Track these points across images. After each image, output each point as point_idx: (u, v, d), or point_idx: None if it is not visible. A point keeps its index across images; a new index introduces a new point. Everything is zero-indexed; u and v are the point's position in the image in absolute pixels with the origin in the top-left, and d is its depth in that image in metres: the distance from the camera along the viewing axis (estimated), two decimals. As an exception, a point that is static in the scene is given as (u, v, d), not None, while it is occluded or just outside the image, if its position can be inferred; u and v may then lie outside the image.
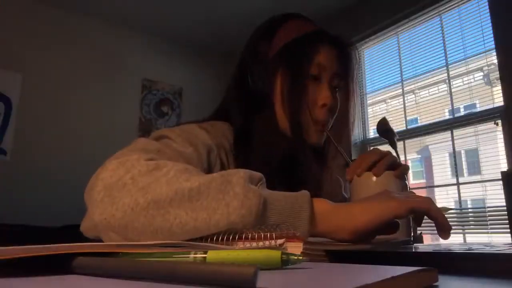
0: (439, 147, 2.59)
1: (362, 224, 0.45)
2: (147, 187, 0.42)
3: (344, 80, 0.75)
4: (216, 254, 0.28)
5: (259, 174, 0.46)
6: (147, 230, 0.41)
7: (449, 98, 2.30)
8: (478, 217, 2.06)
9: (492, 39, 2.08)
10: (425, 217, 0.50)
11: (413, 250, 0.45)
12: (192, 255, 0.28)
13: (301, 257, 0.28)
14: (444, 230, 0.48)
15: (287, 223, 0.42)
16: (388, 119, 1.15)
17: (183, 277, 0.22)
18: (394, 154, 0.71)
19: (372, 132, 2.74)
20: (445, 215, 0.50)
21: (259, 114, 0.71)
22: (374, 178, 0.63)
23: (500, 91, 2.03)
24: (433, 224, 0.49)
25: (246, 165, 0.65)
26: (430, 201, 0.48)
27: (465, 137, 2.22)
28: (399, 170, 0.63)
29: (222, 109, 0.78)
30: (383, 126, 1.13)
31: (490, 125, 2.11)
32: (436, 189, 2.53)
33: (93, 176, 0.47)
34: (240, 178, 0.42)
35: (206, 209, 0.41)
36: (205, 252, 0.28)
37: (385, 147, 0.75)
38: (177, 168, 0.45)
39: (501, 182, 0.67)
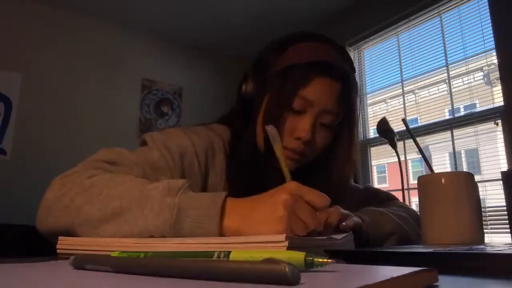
0: (439, 147, 2.59)
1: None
2: (81, 207, 0.50)
3: (343, 115, 0.71)
4: (239, 255, 0.28)
5: (181, 181, 0.50)
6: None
7: (449, 98, 2.30)
8: (478, 217, 2.06)
9: (492, 39, 2.08)
10: None
11: (413, 250, 0.45)
12: (215, 256, 0.29)
13: (326, 260, 0.27)
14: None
15: (200, 229, 0.45)
16: (388, 119, 1.15)
17: (223, 274, 0.23)
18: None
19: (372, 132, 2.74)
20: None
21: (246, 124, 0.73)
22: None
23: (500, 91, 2.03)
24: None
25: (235, 165, 0.70)
26: (308, 226, 0.45)
27: (465, 137, 2.22)
28: (347, 225, 0.60)
29: (226, 114, 0.81)
30: (383, 126, 1.14)
31: (490, 125, 2.11)
32: (436, 189, 2.52)
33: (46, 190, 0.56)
34: (158, 192, 0.48)
35: (128, 223, 0.47)
36: (229, 253, 0.29)
37: (385, 147, 0.75)
38: (109, 184, 0.52)
39: (501, 182, 0.67)
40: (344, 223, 0.60)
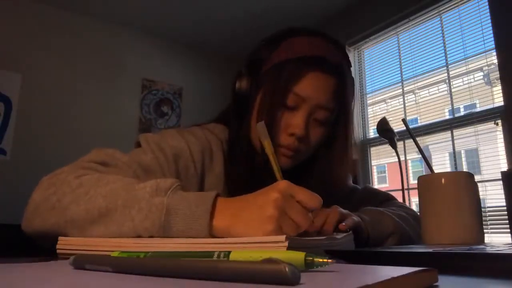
0: (439, 147, 2.59)
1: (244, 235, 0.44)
2: (68, 208, 0.49)
3: (339, 109, 0.71)
4: (239, 255, 0.28)
5: (169, 181, 0.48)
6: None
7: (449, 98, 2.30)
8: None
9: (492, 39, 2.08)
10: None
11: (413, 250, 0.45)
12: (215, 256, 0.29)
13: (326, 260, 0.27)
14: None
15: (189, 229, 0.45)
16: (388, 119, 1.15)
17: (223, 274, 0.23)
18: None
19: (372, 132, 2.74)
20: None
21: (242, 122, 0.72)
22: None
23: (500, 91, 2.03)
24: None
25: (234, 165, 0.70)
26: (300, 226, 0.44)
27: (465, 137, 2.22)
28: (344, 226, 0.60)
29: (223, 112, 0.80)
30: (383, 126, 1.14)
31: (490, 125, 2.11)
32: (436, 189, 2.52)
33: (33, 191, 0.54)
34: (146, 193, 0.47)
35: (116, 223, 0.47)
36: (229, 253, 0.29)
37: (385, 147, 0.75)
38: (97, 183, 0.51)
39: (501, 182, 0.67)
40: (343, 223, 0.60)
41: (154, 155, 0.63)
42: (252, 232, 0.43)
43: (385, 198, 0.89)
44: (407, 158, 2.51)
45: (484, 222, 0.66)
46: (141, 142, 0.65)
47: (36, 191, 0.53)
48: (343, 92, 0.71)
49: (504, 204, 0.65)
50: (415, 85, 2.51)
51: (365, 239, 0.65)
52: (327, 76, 0.68)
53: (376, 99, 2.79)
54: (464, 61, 2.25)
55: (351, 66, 0.76)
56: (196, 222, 0.45)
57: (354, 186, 0.90)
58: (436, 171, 0.68)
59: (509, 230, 0.65)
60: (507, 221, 0.64)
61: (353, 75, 0.77)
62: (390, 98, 2.73)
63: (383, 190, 0.94)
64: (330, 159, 0.74)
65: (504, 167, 1.98)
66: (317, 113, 0.69)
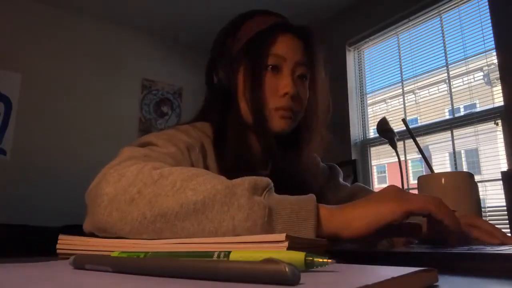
0: (439, 147, 2.59)
1: (358, 231, 0.44)
2: (154, 201, 0.43)
3: (311, 69, 0.75)
4: (239, 255, 0.28)
5: (266, 180, 0.45)
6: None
7: (449, 98, 2.30)
8: (478, 217, 2.06)
9: (492, 39, 2.08)
10: None
11: (413, 250, 0.45)
12: (215, 256, 0.29)
13: (326, 260, 0.27)
14: (452, 232, 0.46)
15: (293, 231, 0.42)
16: (388, 119, 1.15)
17: (223, 274, 0.23)
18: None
19: (372, 132, 2.74)
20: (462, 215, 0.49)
21: (228, 110, 0.73)
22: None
23: (500, 91, 2.03)
24: None
25: (224, 161, 0.69)
26: (434, 201, 0.46)
27: (465, 137, 2.22)
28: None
29: (201, 110, 0.81)
30: (383, 126, 1.14)
31: (490, 125, 2.11)
32: (436, 189, 2.51)
33: (94, 184, 0.48)
34: (245, 190, 0.43)
35: (212, 222, 0.42)
36: (229, 253, 0.29)
37: (385, 147, 0.75)
38: (182, 176, 0.46)
39: (501, 182, 0.67)
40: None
41: (177, 148, 0.61)
42: (378, 209, 0.44)
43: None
44: (407, 158, 2.51)
45: (484, 222, 0.66)
46: (152, 141, 0.61)
47: (105, 185, 0.47)
48: (311, 52, 0.74)
49: (504, 204, 0.65)
50: (415, 85, 2.51)
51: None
52: (296, 37, 0.73)
53: (376, 99, 2.79)
54: (464, 61, 2.25)
55: (316, 34, 0.79)
56: (300, 224, 0.43)
57: (325, 165, 0.91)
58: (436, 171, 0.68)
59: (509, 230, 0.65)
60: (507, 221, 0.64)
61: (353, 75, 0.78)
62: (390, 98, 2.73)
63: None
64: (312, 115, 0.77)
65: (504, 167, 1.98)
66: (298, 70, 0.73)
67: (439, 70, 2.38)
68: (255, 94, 0.69)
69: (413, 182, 2.54)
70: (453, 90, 2.29)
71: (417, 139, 0.72)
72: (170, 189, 0.44)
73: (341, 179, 0.89)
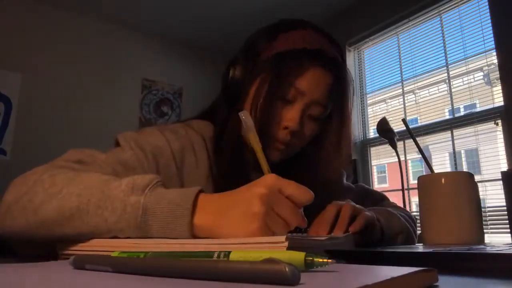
0: (439, 147, 2.59)
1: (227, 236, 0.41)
2: (39, 209, 0.46)
3: (336, 103, 0.70)
4: (239, 255, 0.28)
5: (148, 178, 0.45)
6: (43, 244, 0.48)
7: (449, 98, 2.30)
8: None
9: (492, 39, 2.08)
10: None
11: (413, 250, 0.45)
12: (215, 256, 0.29)
13: (326, 260, 0.27)
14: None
15: (170, 229, 0.42)
16: (388, 119, 1.15)
17: (223, 274, 0.23)
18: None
19: (372, 132, 2.74)
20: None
21: (233, 111, 0.68)
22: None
23: (500, 91, 2.03)
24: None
25: (217, 167, 0.67)
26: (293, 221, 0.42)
27: (465, 137, 2.22)
28: (358, 223, 0.57)
29: (210, 106, 0.78)
30: (383, 126, 1.14)
31: (490, 125, 2.11)
32: (436, 189, 2.52)
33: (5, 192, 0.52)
34: (120, 191, 0.44)
35: (88, 225, 0.43)
36: (229, 253, 0.29)
37: (385, 147, 0.75)
38: (72, 182, 0.47)
39: (501, 182, 0.67)
40: (354, 225, 0.56)
41: (133, 152, 0.60)
42: (236, 232, 0.40)
43: (380, 198, 0.88)
44: (407, 158, 2.51)
45: (484, 222, 0.66)
46: (119, 140, 0.63)
47: (8, 192, 0.50)
48: (340, 90, 0.70)
49: (504, 204, 0.65)
50: (415, 85, 2.51)
51: (378, 237, 0.63)
52: (326, 71, 0.67)
53: (376, 99, 2.79)
54: (464, 61, 2.25)
55: (345, 63, 0.75)
56: (176, 221, 0.42)
57: (348, 184, 0.88)
58: (436, 171, 0.68)
59: (509, 230, 0.65)
60: (507, 221, 0.64)
61: (353, 75, 0.76)
62: (390, 98, 2.73)
63: (383, 190, 0.94)
64: (323, 155, 0.72)
65: (504, 167, 1.98)
66: (312, 109, 0.67)
67: (439, 70, 2.38)
68: (259, 117, 0.64)
69: (413, 182, 2.54)
70: (453, 90, 2.29)
71: (417, 139, 0.72)
72: (55, 196, 0.46)
73: (345, 180, 0.88)
